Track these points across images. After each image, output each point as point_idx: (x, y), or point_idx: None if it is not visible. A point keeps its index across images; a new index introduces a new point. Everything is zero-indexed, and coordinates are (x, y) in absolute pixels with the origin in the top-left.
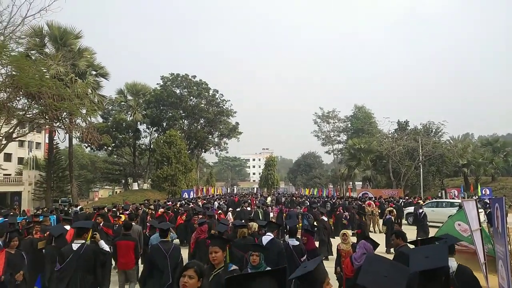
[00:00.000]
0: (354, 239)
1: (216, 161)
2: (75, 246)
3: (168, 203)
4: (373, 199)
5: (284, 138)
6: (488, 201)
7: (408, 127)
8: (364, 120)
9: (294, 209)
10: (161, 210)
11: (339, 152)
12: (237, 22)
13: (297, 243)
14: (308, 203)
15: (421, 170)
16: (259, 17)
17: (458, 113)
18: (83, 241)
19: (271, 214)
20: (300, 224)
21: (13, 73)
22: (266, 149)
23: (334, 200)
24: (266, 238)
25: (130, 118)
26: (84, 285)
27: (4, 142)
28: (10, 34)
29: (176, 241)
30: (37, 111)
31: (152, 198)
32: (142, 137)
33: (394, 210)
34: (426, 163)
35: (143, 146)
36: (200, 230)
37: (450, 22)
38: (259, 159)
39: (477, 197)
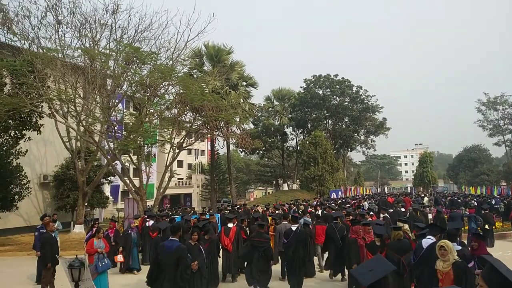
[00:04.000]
0: None
1: (363, 159)
2: (293, 228)
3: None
4: None
5: (441, 131)
6: None
7: None
8: None
9: (457, 211)
10: (310, 209)
11: None
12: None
13: (459, 248)
14: (476, 204)
15: None
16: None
17: None
18: (297, 225)
19: (429, 216)
20: (466, 227)
21: (181, 91)
22: (420, 144)
23: (509, 200)
24: (427, 241)
25: (278, 122)
26: (300, 254)
27: (177, 151)
28: (177, 58)
29: None
30: (200, 122)
31: (301, 198)
32: (289, 140)
33: None
34: None
35: (290, 148)
36: (352, 230)
37: None
38: (412, 156)
39: None
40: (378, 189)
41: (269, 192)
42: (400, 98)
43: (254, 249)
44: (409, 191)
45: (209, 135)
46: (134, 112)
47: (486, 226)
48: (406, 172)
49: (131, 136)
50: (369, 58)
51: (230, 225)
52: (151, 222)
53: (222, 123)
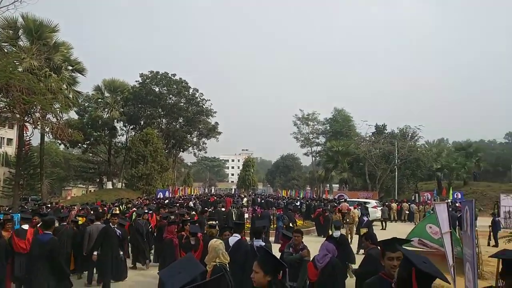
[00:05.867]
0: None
1: (194, 161)
2: (100, 227)
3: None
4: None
5: (265, 140)
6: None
7: (385, 131)
8: (343, 123)
9: (269, 210)
10: (134, 209)
11: (318, 154)
12: (219, 26)
13: (263, 244)
14: (284, 204)
15: (396, 173)
16: (241, 18)
17: (434, 118)
18: (106, 225)
19: (246, 215)
20: (275, 226)
21: None
22: (246, 150)
23: (310, 202)
24: (233, 239)
25: (107, 115)
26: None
27: None
28: None
29: None
30: (3, 104)
31: (126, 198)
32: (119, 135)
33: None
34: (402, 166)
35: (119, 144)
36: (168, 230)
37: (428, 30)
38: (238, 160)
39: (449, 200)
40: (206, 190)
41: (90, 191)
42: (232, 105)
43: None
44: (233, 192)
45: (15, 121)
46: None
47: (290, 224)
48: (233, 174)
49: None
50: (210, 64)
51: (25, 226)
52: None
53: (35, 108)
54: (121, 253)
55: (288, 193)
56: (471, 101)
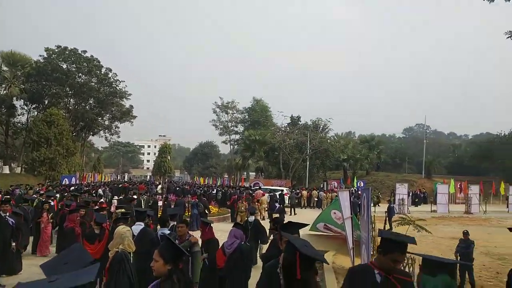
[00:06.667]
0: None
1: (106, 145)
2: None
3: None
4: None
5: (183, 126)
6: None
7: (299, 122)
8: (261, 113)
9: (184, 198)
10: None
11: (236, 143)
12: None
13: (167, 232)
14: (200, 192)
15: (308, 162)
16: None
17: (345, 113)
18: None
19: (160, 203)
20: (189, 213)
21: None
22: (163, 136)
23: (225, 189)
24: (137, 227)
25: (4, 91)
26: None
27: None
28: None
29: None
30: None
31: (26, 184)
32: (18, 115)
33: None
34: (313, 156)
35: (19, 124)
36: (69, 218)
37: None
38: (155, 146)
39: (352, 188)
40: (119, 177)
41: None
42: (150, 89)
43: None
44: (148, 179)
45: None
46: None
47: (206, 211)
48: (148, 161)
49: None
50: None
51: None
52: None
53: None
54: (13, 244)
55: (206, 181)
56: (377, 99)
